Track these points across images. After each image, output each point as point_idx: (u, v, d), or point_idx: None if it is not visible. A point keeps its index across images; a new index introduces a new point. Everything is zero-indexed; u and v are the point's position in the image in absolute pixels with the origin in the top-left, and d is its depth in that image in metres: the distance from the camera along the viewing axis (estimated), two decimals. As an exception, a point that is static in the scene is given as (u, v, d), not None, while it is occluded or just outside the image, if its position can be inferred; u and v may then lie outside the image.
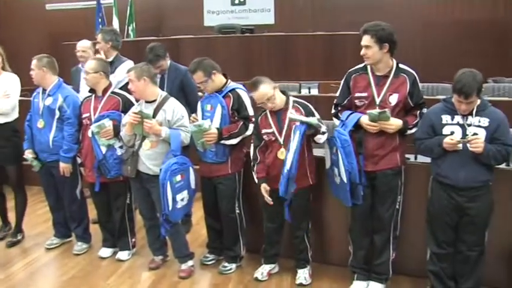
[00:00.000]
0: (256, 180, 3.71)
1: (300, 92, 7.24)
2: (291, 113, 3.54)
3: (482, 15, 10.31)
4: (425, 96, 3.70)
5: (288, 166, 3.41)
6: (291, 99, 3.70)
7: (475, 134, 3.12)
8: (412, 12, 10.41)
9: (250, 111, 3.82)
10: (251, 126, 3.79)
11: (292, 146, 3.41)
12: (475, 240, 3.28)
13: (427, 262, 3.45)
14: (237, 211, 3.96)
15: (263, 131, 3.65)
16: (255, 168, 3.71)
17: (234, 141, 3.81)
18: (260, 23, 10.56)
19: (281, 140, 3.59)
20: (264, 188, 3.66)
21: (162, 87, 4.49)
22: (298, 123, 3.44)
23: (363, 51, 3.36)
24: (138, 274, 4.06)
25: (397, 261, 3.63)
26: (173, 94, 4.16)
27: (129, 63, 4.67)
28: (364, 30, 3.35)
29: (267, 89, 3.55)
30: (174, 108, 3.83)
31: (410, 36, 9.88)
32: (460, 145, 3.12)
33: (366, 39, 3.32)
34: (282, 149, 3.57)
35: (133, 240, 4.36)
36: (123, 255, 4.30)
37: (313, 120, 3.43)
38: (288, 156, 3.43)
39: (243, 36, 9.03)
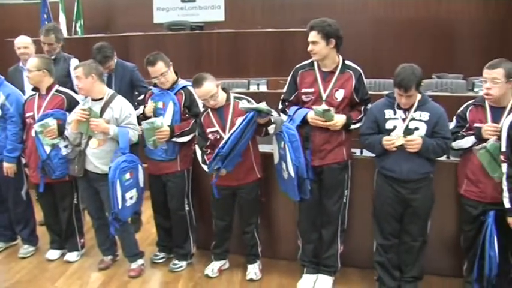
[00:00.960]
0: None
1: (248, 89, 7.27)
2: (243, 103, 3.55)
3: (427, 13, 10.67)
4: (372, 92, 3.79)
5: (221, 144, 3.44)
6: (232, 95, 3.72)
7: (416, 128, 3.25)
8: (362, 9, 10.64)
9: (202, 109, 3.81)
10: None
11: (234, 128, 3.44)
12: (418, 230, 3.40)
13: (374, 253, 3.55)
14: (187, 208, 3.95)
15: (208, 130, 3.63)
16: (205, 158, 3.64)
17: (185, 139, 3.80)
18: (210, 20, 10.54)
19: (225, 136, 3.57)
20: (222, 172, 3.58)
21: (109, 86, 4.42)
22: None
23: (310, 47, 3.41)
24: (87, 275, 3.99)
25: (345, 253, 3.71)
26: (122, 92, 4.10)
27: (75, 62, 4.59)
28: (311, 26, 3.40)
29: (211, 86, 3.54)
30: (122, 106, 3.78)
31: (360, 33, 10.11)
32: (400, 142, 3.22)
33: (313, 35, 3.38)
34: None
35: (82, 240, 4.28)
36: (71, 256, 4.21)
37: (262, 105, 3.42)
38: (226, 135, 3.47)
39: (193, 33, 8.99)
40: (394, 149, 3.23)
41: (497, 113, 3.21)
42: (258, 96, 4.26)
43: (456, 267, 3.60)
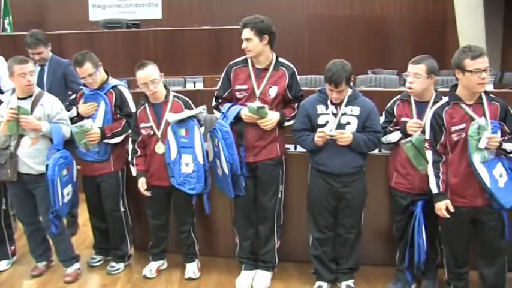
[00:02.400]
0: (134, 173, 3.70)
1: (185, 87, 7.24)
2: (169, 116, 3.54)
3: (362, 11, 10.98)
4: (309, 88, 3.82)
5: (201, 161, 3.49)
6: (172, 93, 3.70)
7: (347, 123, 3.33)
8: (299, 7, 10.83)
9: (133, 108, 3.77)
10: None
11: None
12: (352, 223, 3.48)
13: (310, 247, 3.60)
14: (122, 209, 3.89)
15: (141, 125, 3.63)
16: (134, 161, 3.69)
17: (117, 140, 3.75)
18: (147, 17, 10.44)
19: (159, 133, 3.59)
20: (141, 182, 3.66)
21: (41, 79, 4.31)
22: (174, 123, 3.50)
23: (244, 45, 3.44)
24: (19, 283, 3.82)
25: (282, 248, 3.75)
26: (54, 86, 4.00)
27: (2, 60, 4.42)
28: (244, 23, 3.44)
29: (155, 70, 3.57)
30: (53, 102, 3.67)
31: (297, 30, 10.29)
32: (332, 133, 3.28)
33: (246, 32, 3.41)
34: (160, 143, 3.59)
35: (12, 248, 4.08)
36: (1, 265, 4.01)
37: (197, 110, 3.51)
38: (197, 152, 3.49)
39: (129, 31, 8.90)
40: (326, 137, 3.28)
41: (422, 107, 3.34)
42: (194, 94, 4.24)
43: (390, 256, 3.70)
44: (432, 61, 3.30)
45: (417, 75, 3.27)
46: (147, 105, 3.65)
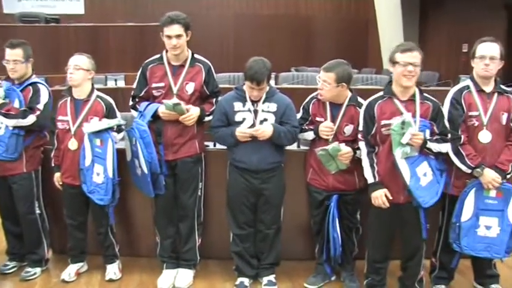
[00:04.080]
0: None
1: (106, 84, 7.05)
2: (85, 126, 3.46)
3: (287, 10, 11.18)
4: (232, 86, 3.80)
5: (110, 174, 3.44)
6: (95, 93, 3.62)
7: (264, 119, 3.38)
8: (225, 5, 10.85)
9: (40, 105, 3.61)
10: (31, 118, 3.54)
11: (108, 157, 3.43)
12: (271, 219, 3.54)
13: (231, 244, 3.62)
14: (38, 211, 3.74)
15: (59, 117, 3.55)
16: (52, 153, 3.63)
17: (8, 122, 3.52)
18: (69, 12, 10.11)
19: (73, 130, 3.51)
20: (56, 177, 3.63)
21: None
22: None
23: (174, 41, 3.37)
24: None
25: (204, 246, 3.75)
26: None
27: None
28: (173, 20, 3.36)
29: (86, 62, 3.53)
30: None
31: (223, 28, 10.31)
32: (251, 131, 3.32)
33: (177, 29, 3.36)
34: (73, 139, 3.52)
35: None
36: None
37: (113, 122, 3.48)
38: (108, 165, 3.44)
39: (48, 27, 8.55)
40: (249, 138, 3.32)
41: (336, 109, 3.41)
42: (115, 92, 4.15)
43: (310, 250, 3.79)
44: (343, 69, 3.30)
45: (325, 84, 3.31)
46: (68, 99, 3.57)
